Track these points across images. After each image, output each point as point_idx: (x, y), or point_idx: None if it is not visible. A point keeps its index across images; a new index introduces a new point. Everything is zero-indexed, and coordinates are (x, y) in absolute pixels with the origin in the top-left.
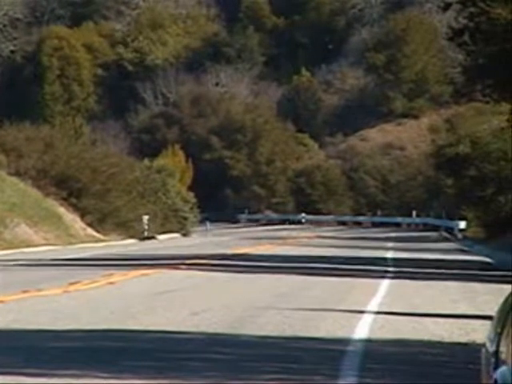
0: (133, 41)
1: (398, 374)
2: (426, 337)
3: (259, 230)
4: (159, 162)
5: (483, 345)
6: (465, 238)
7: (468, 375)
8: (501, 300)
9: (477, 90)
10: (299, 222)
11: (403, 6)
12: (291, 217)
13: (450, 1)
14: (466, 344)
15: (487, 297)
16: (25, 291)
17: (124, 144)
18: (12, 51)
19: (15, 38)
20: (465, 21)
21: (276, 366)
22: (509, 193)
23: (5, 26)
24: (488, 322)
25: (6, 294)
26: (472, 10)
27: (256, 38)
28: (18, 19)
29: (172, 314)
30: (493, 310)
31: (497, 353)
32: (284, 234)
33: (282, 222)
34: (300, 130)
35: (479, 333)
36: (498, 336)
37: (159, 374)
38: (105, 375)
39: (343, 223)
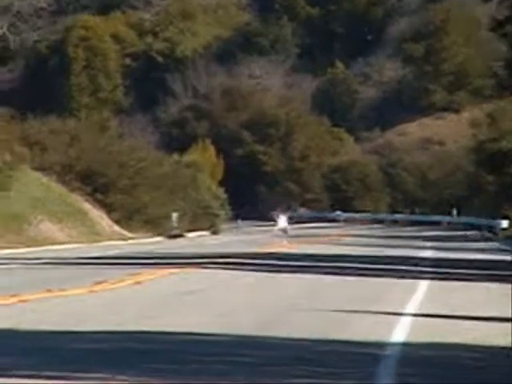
0: (162, 31)
1: (437, 378)
2: (465, 340)
3: (291, 228)
4: (189, 156)
5: None
6: (507, 237)
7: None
8: None
9: None
10: (334, 220)
11: None
12: (326, 214)
13: None
14: (507, 348)
15: None
16: (49, 290)
17: (152, 138)
18: (36, 41)
19: (39, 28)
20: (508, 11)
21: (305, 370)
22: None
23: (30, 15)
24: None
25: (30, 293)
26: None
27: (290, 28)
28: (42, 8)
29: (199, 315)
30: None
31: None
32: (317, 231)
33: (316, 220)
34: (335, 124)
35: None
36: None
37: (184, 377)
38: (129, 378)
39: (380, 221)
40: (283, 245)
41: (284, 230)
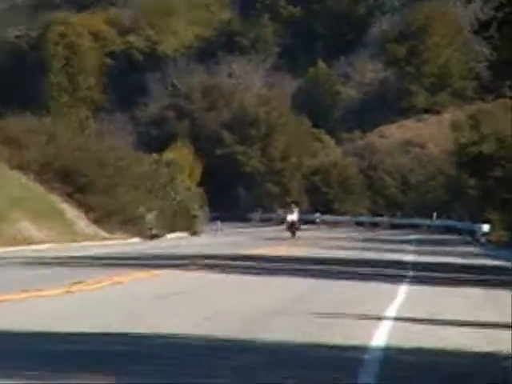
0: (142, 29)
1: (418, 382)
2: (448, 346)
3: (272, 230)
4: (168, 155)
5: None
6: (488, 241)
7: None
8: None
9: (505, 85)
10: (313, 223)
11: None
12: (306, 216)
13: None
14: (491, 354)
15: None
16: (25, 291)
17: (131, 137)
18: (17, 36)
19: (18, 24)
20: (492, 12)
21: (288, 374)
22: None
23: (9, 9)
24: None
25: (5, 294)
26: (500, 0)
27: (271, 28)
28: (21, 5)
29: (181, 317)
30: None
31: None
32: (298, 234)
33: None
34: (316, 125)
35: (506, 342)
36: None
37: (164, 379)
38: (105, 378)
39: (360, 224)
40: (266, 247)
41: (292, 225)
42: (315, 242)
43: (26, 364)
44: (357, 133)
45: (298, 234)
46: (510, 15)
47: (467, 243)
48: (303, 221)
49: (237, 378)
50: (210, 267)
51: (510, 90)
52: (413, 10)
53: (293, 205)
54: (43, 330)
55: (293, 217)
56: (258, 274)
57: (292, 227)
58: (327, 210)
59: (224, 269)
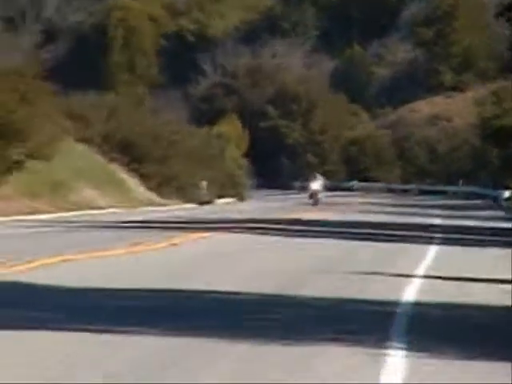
0: (193, 13)
1: (445, 334)
2: (472, 300)
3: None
4: (217, 129)
5: None
6: (509, 207)
7: None
8: None
9: None
10: (350, 189)
11: None
12: (344, 183)
13: None
14: (511, 308)
15: None
16: (90, 251)
17: (184, 112)
18: (79, 22)
19: (82, 10)
20: None
21: (330, 326)
22: None
23: None
24: None
25: (72, 254)
26: None
27: (311, 13)
28: None
29: (228, 275)
30: None
31: None
32: (335, 200)
33: (334, 189)
34: (352, 101)
35: None
36: None
37: (215, 332)
38: (162, 332)
39: (392, 191)
40: (305, 212)
41: (315, 193)
42: (351, 208)
43: (88, 316)
44: (389, 108)
45: (334, 199)
46: None
47: (490, 208)
48: (341, 188)
49: (282, 328)
50: (256, 230)
51: None
52: None
53: (317, 173)
54: (106, 287)
55: (316, 185)
56: (298, 236)
57: (315, 195)
58: (362, 177)
59: (268, 231)
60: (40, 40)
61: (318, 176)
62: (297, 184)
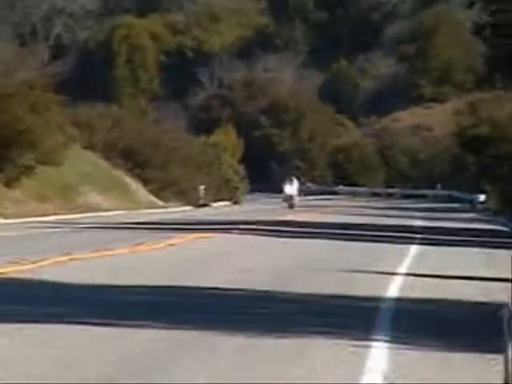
0: (192, 30)
1: (425, 327)
2: (451, 296)
3: (300, 200)
4: (214, 138)
5: (506, 304)
6: (484, 209)
7: (489, 329)
8: None
9: (497, 78)
10: (336, 193)
11: (433, 2)
12: (330, 188)
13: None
14: (486, 303)
15: (505, 261)
16: (96, 250)
17: (183, 122)
18: (86, 39)
19: (89, 28)
20: (487, 17)
21: (318, 320)
22: None
23: (80, 16)
24: (507, 284)
25: (80, 253)
26: (493, 7)
27: (301, 30)
28: (91, 11)
29: (223, 272)
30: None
31: None
32: (323, 203)
33: (321, 193)
34: (339, 112)
35: (499, 293)
36: None
37: (211, 325)
38: (163, 325)
39: (376, 194)
40: (295, 214)
41: (290, 197)
42: (337, 210)
43: (95, 311)
44: (373, 118)
45: (321, 203)
46: (501, 20)
47: (466, 210)
48: (327, 192)
49: (274, 322)
50: (249, 231)
51: (502, 82)
52: (421, 15)
53: (293, 178)
54: (113, 284)
55: (292, 189)
56: (288, 236)
57: (290, 200)
58: (348, 182)
59: (260, 232)
60: (49, 55)
61: (295, 180)
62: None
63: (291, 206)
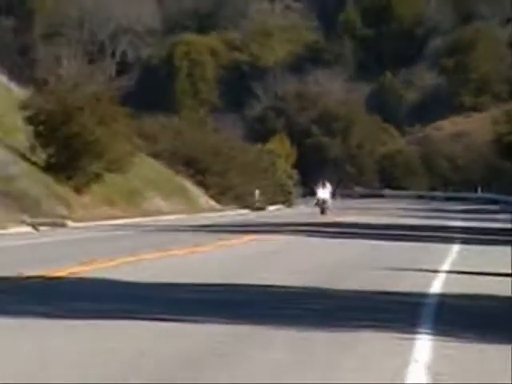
0: (248, 47)
1: (467, 321)
2: (491, 292)
3: (350, 203)
4: (269, 146)
5: None
6: None
7: None
8: None
9: None
10: (383, 196)
11: (471, 18)
12: (377, 191)
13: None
14: None
15: None
16: (159, 251)
17: (240, 132)
18: (149, 55)
19: (152, 45)
20: None
21: (366, 315)
22: None
23: (143, 34)
24: None
25: (145, 254)
26: None
27: (349, 46)
28: (153, 29)
29: (277, 271)
30: None
31: None
32: (370, 205)
33: (369, 196)
34: (385, 121)
35: None
36: None
37: (268, 320)
38: (222, 320)
39: (421, 197)
40: (344, 216)
41: (323, 202)
42: (384, 212)
43: (160, 308)
44: (417, 127)
45: (369, 205)
46: None
47: (504, 211)
48: (374, 195)
49: (323, 317)
50: (300, 232)
51: None
52: (461, 30)
53: (326, 181)
54: (176, 282)
55: (324, 194)
56: (335, 237)
57: (323, 204)
58: (394, 186)
59: (310, 233)
60: (116, 71)
61: (328, 184)
62: (338, 191)
63: (323, 211)
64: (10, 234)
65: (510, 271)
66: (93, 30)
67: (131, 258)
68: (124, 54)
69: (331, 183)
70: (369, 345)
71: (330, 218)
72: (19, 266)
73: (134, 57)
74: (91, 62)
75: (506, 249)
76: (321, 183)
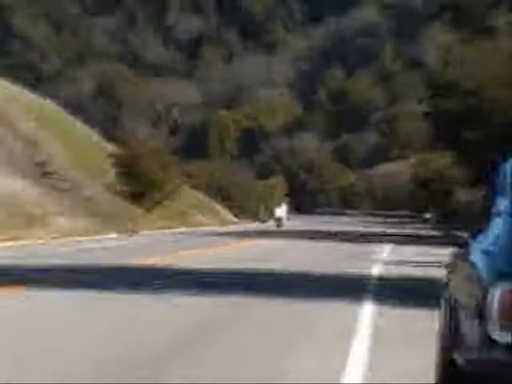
0: (257, 118)
1: (399, 293)
2: (409, 275)
3: (319, 218)
4: (270, 182)
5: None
6: (431, 221)
7: (438, 293)
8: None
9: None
10: (343, 214)
11: (397, 99)
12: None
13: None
14: (435, 279)
15: (432, 253)
16: (200, 248)
17: (251, 173)
18: (192, 121)
19: (193, 114)
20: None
21: (331, 289)
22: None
23: (188, 107)
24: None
25: (188, 250)
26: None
27: (321, 117)
28: (195, 103)
29: (275, 262)
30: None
31: (446, 283)
32: (332, 220)
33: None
34: (344, 165)
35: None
36: (448, 275)
37: (273, 295)
38: (237, 295)
39: (370, 214)
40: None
41: (279, 219)
42: (345, 222)
43: (190, 286)
44: (364, 169)
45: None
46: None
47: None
48: (333, 212)
49: (306, 290)
50: (289, 237)
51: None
52: (392, 106)
53: (282, 202)
54: (207, 267)
55: (281, 212)
56: (317, 240)
57: (279, 221)
58: (352, 207)
59: (299, 238)
60: (169, 131)
61: (283, 204)
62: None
63: (279, 226)
64: (110, 238)
65: (423, 260)
66: (153, 104)
67: (184, 252)
68: (175, 121)
69: (303, 206)
70: (330, 306)
71: (319, 227)
72: (137, 256)
73: (181, 123)
74: (153, 125)
75: (429, 245)
76: (278, 204)
